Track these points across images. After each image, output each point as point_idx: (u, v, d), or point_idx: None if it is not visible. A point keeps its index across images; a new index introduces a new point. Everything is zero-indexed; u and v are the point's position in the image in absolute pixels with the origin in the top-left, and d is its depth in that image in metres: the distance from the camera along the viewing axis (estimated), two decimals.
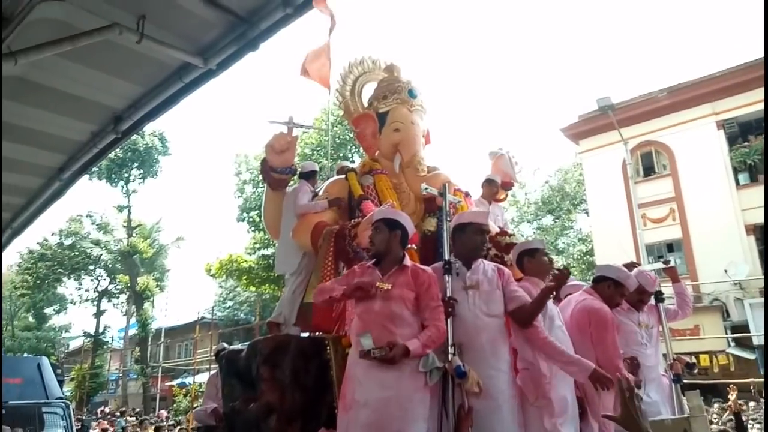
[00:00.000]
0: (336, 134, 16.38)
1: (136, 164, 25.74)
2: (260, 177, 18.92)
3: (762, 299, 13.26)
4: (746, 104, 14.83)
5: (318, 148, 16.67)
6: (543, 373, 2.87)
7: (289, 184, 4.90)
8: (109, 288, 29.37)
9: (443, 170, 4.87)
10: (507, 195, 5.56)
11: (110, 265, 28.13)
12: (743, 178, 14.92)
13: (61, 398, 7.95)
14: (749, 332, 12.81)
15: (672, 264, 4.36)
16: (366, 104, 5.07)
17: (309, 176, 4.83)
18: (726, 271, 13.49)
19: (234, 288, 28.72)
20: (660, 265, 4.53)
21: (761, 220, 14.15)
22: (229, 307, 30.02)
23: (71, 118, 4.95)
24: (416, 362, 2.63)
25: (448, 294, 2.87)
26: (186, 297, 67.55)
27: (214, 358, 6.33)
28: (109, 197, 45.46)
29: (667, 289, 4.27)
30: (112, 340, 30.61)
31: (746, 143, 15.22)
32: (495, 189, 5.30)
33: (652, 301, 3.97)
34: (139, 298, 26.10)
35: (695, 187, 15.16)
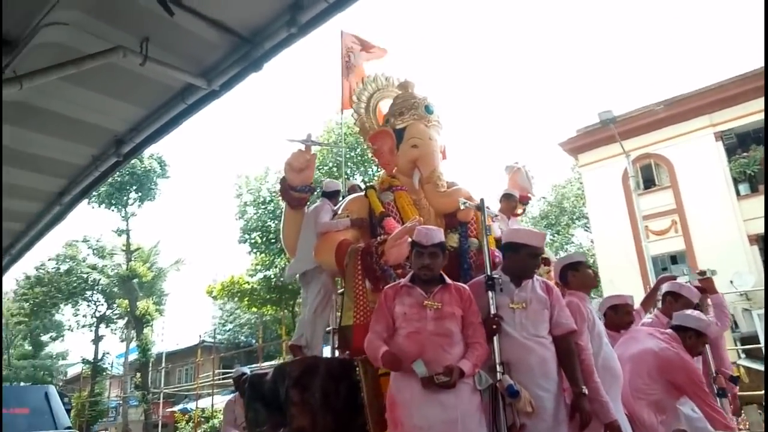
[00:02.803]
0: (348, 153, 16.44)
1: (134, 188, 25.66)
2: (261, 198, 18.86)
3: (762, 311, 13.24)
4: (743, 115, 14.96)
5: (321, 167, 16.69)
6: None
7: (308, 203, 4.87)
8: (107, 313, 29.06)
9: (462, 185, 4.85)
10: (524, 209, 5.55)
11: (108, 290, 27.86)
12: (744, 188, 14.98)
13: (69, 428, 7.78)
14: (759, 343, 12.73)
15: (708, 275, 4.33)
16: (382, 121, 5.07)
17: (331, 195, 4.80)
18: (732, 282, 13.45)
19: (234, 311, 28.52)
20: (695, 276, 4.50)
21: (763, 230, 14.19)
22: (230, 330, 29.77)
23: (72, 141, 4.91)
24: (471, 382, 2.59)
25: (492, 311, 2.82)
26: (185, 321, 67.03)
27: (232, 382, 6.25)
28: (106, 221, 45.35)
29: None
30: (112, 366, 30.20)
31: (745, 154, 15.31)
32: (513, 203, 5.29)
33: None
34: (138, 322, 25.82)
35: (696, 198, 15.21)
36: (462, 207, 3.70)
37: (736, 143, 15.68)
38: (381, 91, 5.31)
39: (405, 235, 3.69)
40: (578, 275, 3.26)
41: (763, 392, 11.18)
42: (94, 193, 19.96)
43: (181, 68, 4.00)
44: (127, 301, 26.28)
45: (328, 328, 4.93)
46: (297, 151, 4.61)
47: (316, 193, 5.30)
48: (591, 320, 3.08)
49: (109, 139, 4.97)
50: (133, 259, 26.96)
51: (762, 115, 14.72)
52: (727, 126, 15.39)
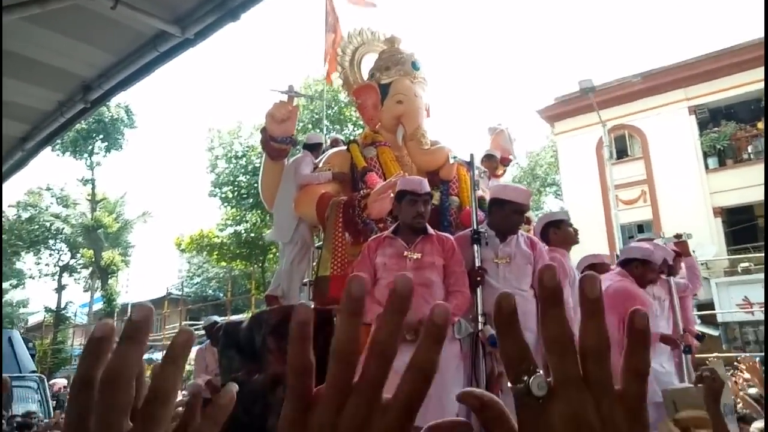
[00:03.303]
0: (330, 106, 16.19)
1: (100, 136, 24.87)
2: (233, 152, 18.52)
3: (727, 278, 13.80)
4: (717, 90, 15.20)
5: (297, 123, 16.41)
6: None
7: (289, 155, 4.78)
8: (71, 263, 28.54)
9: (445, 144, 4.82)
10: (505, 171, 5.56)
11: (72, 240, 27.29)
12: (712, 162, 15.36)
13: (34, 371, 7.68)
14: (714, 310, 13.31)
15: (684, 239, 4.44)
16: (367, 75, 4.96)
17: (313, 148, 4.72)
18: (694, 251, 13.90)
19: (202, 264, 28.31)
20: (671, 238, 4.61)
21: (729, 203, 14.63)
22: (197, 283, 29.61)
23: (37, 86, 4.68)
24: (450, 330, 2.61)
25: (477, 263, 2.84)
26: (152, 273, 66.40)
27: (204, 331, 6.23)
28: (71, 170, 44.07)
29: None
30: (75, 315, 29.85)
31: (716, 129, 15.63)
32: (494, 164, 5.29)
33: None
34: (104, 273, 25.45)
35: (666, 170, 15.54)
36: (451, 161, 3.67)
37: (709, 118, 15.97)
38: (366, 45, 5.19)
39: (389, 189, 3.67)
40: (560, 232, 3.30)
41: (714, 354, 11.78)
42: (58, 141, 19.30)
43: (154, 14, 3.80)
44: (91, 251, 25.83)
45: (305, 280, 4.94)
46: (279, 102, 4.50)
47: (296, 145, 5.21)
48: (572, 276, 3.14)
49: (76, 85, 4.74)
50: (98, 209, 26.37)
51: (735, 91, 15.02)
52: (700, 101, 15.63)
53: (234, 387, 0.46)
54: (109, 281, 25.79)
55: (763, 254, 11.95)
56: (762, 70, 14.32)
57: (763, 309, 13.09)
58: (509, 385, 0.40)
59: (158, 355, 20.79)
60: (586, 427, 0.38)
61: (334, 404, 0.38)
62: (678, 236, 4.59)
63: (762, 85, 14.59)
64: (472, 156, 3.44)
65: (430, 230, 2.99)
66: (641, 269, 3.59)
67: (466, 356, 2.68)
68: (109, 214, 26.50)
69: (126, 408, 0.40)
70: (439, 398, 2.51)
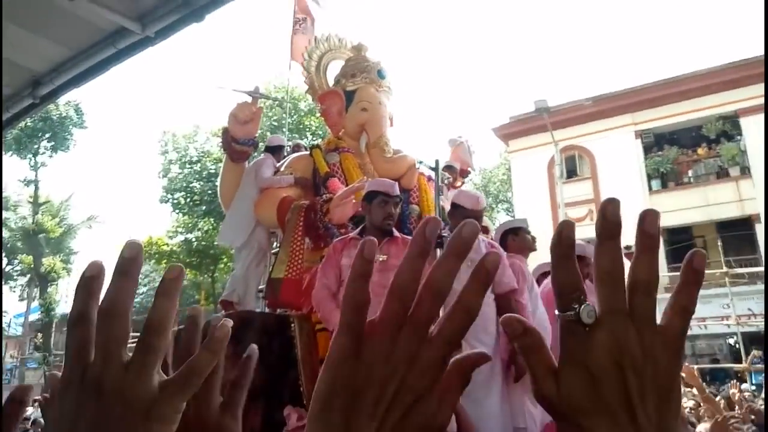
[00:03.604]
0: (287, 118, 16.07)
1: (47, 135, 23.82)
2: (188, 157, 18.06)
3: (666, 295, 14.32)
4: (663, 117, 16.03)
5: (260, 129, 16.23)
6: None
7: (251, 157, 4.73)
8: (7, 269, 27.07)
9: (407, 153, 4.87)
10: (464, 182, 5.67)
11: (9, 244, 25.92)
12: (656, 184, 16.11)
13: None
14: None
15: (632, 250, 4.62)
16: (332, 82, 4.98)
17: (274, 150, 4.68)
18: None
19: (150, 273, 27.40)
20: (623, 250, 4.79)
21: (670, 223, 15.32)
22: (143, 293, 28.59)
23: None
24: None
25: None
26: None
27: None
28: (13, 170, 41.98)
29: None
30: (9, 326, 28.29)
31: (660, 152, 16.40)
32: (454, 175, 5.38)
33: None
34: (43, 280, 24.25)
35: (612, 190, 16.13)
36: (417, 166, 3.72)
37: (653, 142, 16.76)
38: (333, 52, 5.21)
39: (351, 194, 3.68)
40: (518, 239, 3.38)
41: None
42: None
43: (113, 8, 3.67)
44: (30, 258, 24.59)
45: (261, 286, 4.87)
46: (243, 103, 4.45)
47: (258, 148, 5.16)
48: (530, 282, 3.21)
49: (26, 79, 4.50)
50: (40, 212, 25.18)
51: (678, 118, 15.85)
52: (646, 126, 16.41)
53: (229, 321, 0.48)
54: (48, 290, 24.58)
55: (763, 267, 12.43)
56: (703, 99, 15.21)
57: (700, 324, 13.73)
58: (556, 312, 0.43)
59: None
60: (628, 357, 0.41)
61: (389, 335, 0.40)
62: (627, 247, 4.78)
63: (702, 114, 15.47)
64: (437, 162, 3.50)
65: (396, 233, 3.02)
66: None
67: None
68: (53, 217, 25.32)
69: (124, 339, 0.42)
70: None
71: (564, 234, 0.43)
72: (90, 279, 0.43)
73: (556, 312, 0.43)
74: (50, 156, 24.77)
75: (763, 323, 12.80)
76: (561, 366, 0.43)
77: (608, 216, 0.44)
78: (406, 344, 0.40)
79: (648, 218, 0.44)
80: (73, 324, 0.43)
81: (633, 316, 0.42)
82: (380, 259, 2.81)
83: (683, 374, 3.61)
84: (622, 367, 0.41)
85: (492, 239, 3.69)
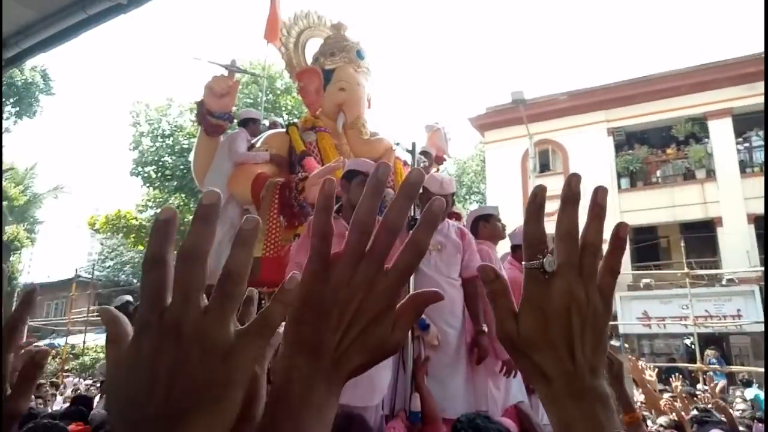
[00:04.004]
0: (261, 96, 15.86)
1: (11, 101, 23.04)
2: (160, 130, 17.69)
3: (630, 293, 14.78)
4: (634, 115, 16.28)
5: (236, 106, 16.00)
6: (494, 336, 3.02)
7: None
8: None
9: (384, 135, 4.88)
10: (438, 168, 5.69)
11: None
12: (625, 182, 16.40)
13: None
14: (617, 322, 14.23)
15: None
16: (311, 59, 4.94)
17: (246, 123, 4.62)
18: None
19: (117, 247, 26.93)
20: None
21: (637, 222, 15.70)
22: (110, 267, 28.11)
23: None
24: None
25: None
26: (59, 253, 62.22)
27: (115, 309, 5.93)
28: None
29: None
30: None
31: (631, 151, 16.71)
32: (429, 161, 5.40)
33: None
34: (6, 249, 23.59)
35: (583, 186, 16.09)
36: (393, 147, 3.74)
37: (625, 140, 17.05)
38: (312, 29, 5.17)
39: (327, 174, 3.68)
40: (489, 226, 3.44)
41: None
42: None
43: None
44: None
45: None
46: (219, 76, 4.39)
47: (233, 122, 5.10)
48: (499, 268, 3.27)
49: None
50: (3, 179, 24.43)
51: (649, 117, 16.15)
52: (618, 123, 16.66)
53: (298, 274, 0.48)
54: (11, 258, 23.95)
55: (763, 267, 12.72)
56: (673, 100, 15.52)
57: (659, 323, 14.15)
58: (524, 263, 0.53)
59: (60, 341, 19.57)
60: (576, 301, 0.52)
61: (351, 265, 0.47)
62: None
63: (672, 114, 15.79)
64: (414, 144, 3.52)
65: None
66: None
67: None
68: (16, 185, 24.63)
69: (202, 284, 0.42)
70: (369, 374, 2.55)
71: (538, 196, 0.55)
72: (165, 222, 0.43)
73: (523, 263, 0.53)
74: (15, 122, 23.98)
75: (722, 326, 13.28)
76: (521, 309, 0.54)
77: (572, 186, 0.56)
78: (365, 272, 0.47)
79: (600, 192, 0.56)
80: (149, 266, 0.43)
81: (581, 271, 0.53)
82: None
83: (630, 366, 3.76)
84: (569, 311, 0.52)
85: (463, 225, 3.74)
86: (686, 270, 12.61)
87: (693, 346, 12.80)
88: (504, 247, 4.45)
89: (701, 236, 14.96)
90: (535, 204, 0.54)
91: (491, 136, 18.64)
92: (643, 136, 17.07)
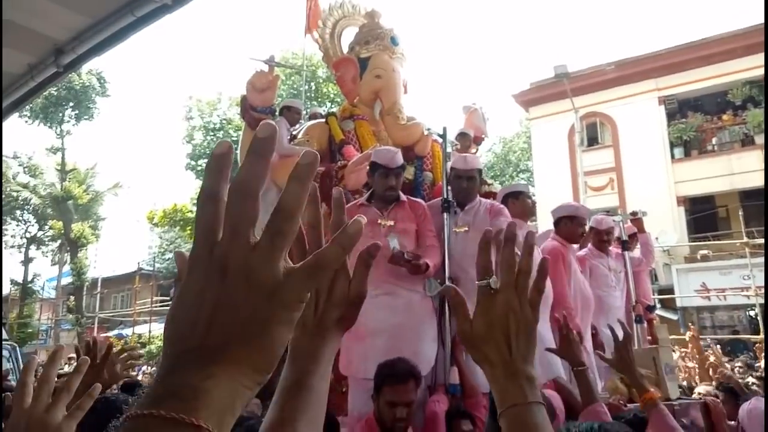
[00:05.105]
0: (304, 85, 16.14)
1: (71, 104, 24.20)
2: (211, 123, 18.22)
3: (687, 265, 14.34)
4: (686, 82, 15.62)
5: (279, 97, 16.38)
6: None
7: None
8: (39, 235, 27.89)
9: (421, 120, 4.95)
10: (477, 149, 5.73)
11: (40, 210, 26.66)
12: (678, 152, 15.82)
13: (7, 341, 7.64)
14: (674, 294, 13.86)
15: (639, 216, 4.70)
16: (346, 49, 5.05)
17: (283, 111, 4.79)
18: (657, 238, 14.41)
19: (175, 240, 28.06)
20: (628, 216, 4.87)
21: (692, 192, 15.15)
22: (169, 259, 29.31)
23: (6, 47, 4.46)
24: (422, 291, 2.79)
25: (446, 231, 3.02)
26: (121, 247, 65.41)
27: (170, 299, 6.29)
28: (39, 138, 42.78)
29: None
30: (42, 289, 29.32)
31: (684, 119, 16.08)
32: (468, 142, 5.45)
33: (620, 249, 4.32)
34: (73, 245, 25.00)
35: (634, 158, 15.95)
36: (425, 133, 3.82)
37: (677, 108, 16.41)
38: (347, 19, 5.26)
39: (365, 161, 3.80)
40: (518, 203, 3.49)
41: (672, 336, 12.30)
42: (27, 107, 18.79)
43: None
44: (60, 223, 25.32)
45: None
46: (260, 71, 4.57)
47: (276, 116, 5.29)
48: (527, 245, 3.33)
49: (49, 48, 4.60)
50: (68, 179, 25.79)
51: (703, 84, 15.46)
52: (670, 91, 16.04)
53: (363, 218, 0.48)
54: (79, 254, 25.34)
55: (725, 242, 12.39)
56: (728, 64, 14.78)
57: (719, 295, 13.69)
58: (476, 282, 0.74)
59: (127, 332, 20.68)
60: (512, 310, 0.72)
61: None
62: (634, 214, 4.85)
63: (728, 78, 15.06)
64: (445, 129, 3.59)
65: (402, 196, 3.15)
66: (570, 225, 3.78)
67: (435, 315, 2.87)
68: (79, 185, 25.91)
69: (254, 219, 0.41)
70: (414, 351, 2.69)
71: (507, 235, 0.74)
72: (220, 156, 0.42)
73: (476, 282, 0.74)
74: (75, 124, 25.23)
75: None
76: (475, 314, 0.74)
77: (511, 230, 0.75)
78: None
79: (529, 236, 0.75)
80: (202, 201, 0.42)
81: (516, 289, 0.72)
82: (388, 224, 2.95)
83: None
84: (508, 317, 0.72)
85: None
86: (745, 239, 12.12)
87: (757, 318, 12.35)
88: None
89: (762, 204, 14.30)
90: (487, 244, 0.75)
91: (536, 112, 18.30)
92: (697, 102, 16.39)
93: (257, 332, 0.40)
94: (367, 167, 3.86)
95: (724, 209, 15.74)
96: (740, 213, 12.63)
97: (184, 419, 0.37)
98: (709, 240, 14.70)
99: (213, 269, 0.40)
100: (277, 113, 4.88)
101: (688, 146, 15.83)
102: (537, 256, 2.50)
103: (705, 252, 14.11)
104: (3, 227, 27.06)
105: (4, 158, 26.53)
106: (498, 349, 0.71)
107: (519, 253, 0.74)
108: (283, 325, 0.42)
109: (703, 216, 15.30)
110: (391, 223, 2.98)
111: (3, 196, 25.63)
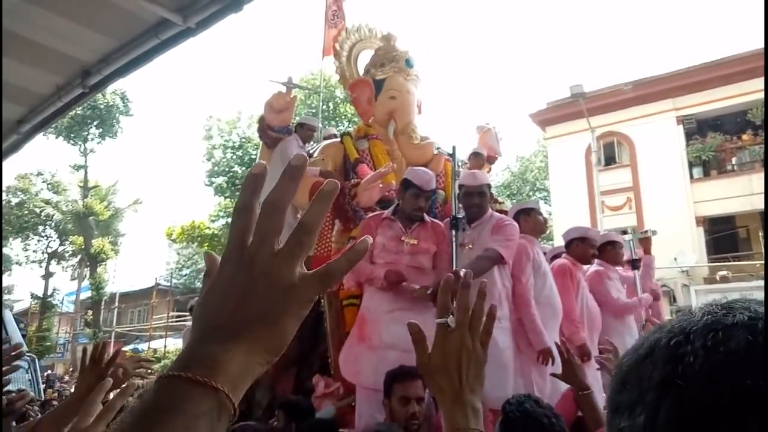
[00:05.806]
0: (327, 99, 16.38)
1: (95, 123, 24.77)
2: (231, 142, 18.53)
3: (707, 286, 14.10)
4: (705, 102, 15.51)
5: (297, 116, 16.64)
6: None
7: None
8: (59, 250, 28.36)
9: (434, 140, 5.02)
10: (491, 168, 5.78)
11: (61, 226, 27.15)
12: (697, 172, 15.66)
13: (27, 352, 7.79)
14: None
15: (649, 235, 4.71)
16: (362, 71, 5.16)
17: (298, 128, 4.90)
18: (675, 259, 14.23)
19: (192, 256, 28.35)
20: (638, 235, 4.87)
21: (711, 212, 14.95)
22: (186, 275, 29.62)
23: (36, 68, 4.68)
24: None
25: (454, 247, 3.07)
26: (139, 263, 66.23)
27: (189, 312, 6.40)
28: (63, 156, 43.75)
29: None
30: (62, 303, 29.72)
31: (703, 139, 15.94)
32: (481, 162, 5.49)
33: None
34: (93, 261, 25.38)
35: (652, 178, 15.82)
36: (435, 152, 3.89)
37: (695, 128, 16.28)
38: (363, 42, 5.38)
39: (377, 179, 3.87)
40: (530, 220, 3.52)
41: None
42: (53, 125, 19.27)
43: (156, 1, 3.85)
44: (81, 239, 25.74)
45: None
46: (278, 93, 4.69)
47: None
48: (537, 261, 3.36)
49: (76, 69, 4.74)
50: (89, 196, 26.29)
51: (722, 103, 15.35)
52: (688, 111, 15.93)
53: (369, 239, 0.57)
54: (98, 269, 25.71)
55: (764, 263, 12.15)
56: (748, 83, 14.67)
57: None
58: (437, 320, 0.84)
59: (143, 346, 20.85)
60: (465, 347, 0.83)
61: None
62: (644, 233, 4.85)
63: (748, 98, 14.94)
64: (454, 148, 3.65)
65: (426, 217, 3.23)
66: (581, 246, 3.87)
67: None
68: (101, 201, 26.40)
69: (279, 231, 0.51)
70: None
71: (446, 281, 0.86)
72: (256, 176, 0.52)
73: (436, 319, 0.84)
74: (98, 143, 25.79)
75: None
76: (433, 348, 0.85)
77: (466, 279, 0.85)
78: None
79: (481, 285, 0.87)
80: (238, 212, 0.51)
81: (470, 329, 0.83)
82: (412, 242, 3.02)
83: None
84: (460, 352, 0.82)
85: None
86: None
87: None
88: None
89: None
90: (447, 286, 0.86)
91: (553, 132, 18.29)
92: (716, 122, 16.25)
93: (272, 320, 0.49)
94: (380, 185, 3.94)
95: (745, 230, 15.50)
96: (760, 234, 12.42)
97: (206, 382, 0.45)
98: (729, 261, 14.46)
99: (243, 267, 0.50)
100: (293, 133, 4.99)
101: (707, 166, 15.67)
102: (546, 270, 2.57)
103: (724, 273, 13.88)
104: (25, 243, 27.62)
105: (29, 175, 27.19)
106: (450, 379, 0.82)
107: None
108: (294, 318, 0.51)
109: (723, 236, 15.08)
110: (415, 242, 3.08)
111: (27, 212, 26.21)
